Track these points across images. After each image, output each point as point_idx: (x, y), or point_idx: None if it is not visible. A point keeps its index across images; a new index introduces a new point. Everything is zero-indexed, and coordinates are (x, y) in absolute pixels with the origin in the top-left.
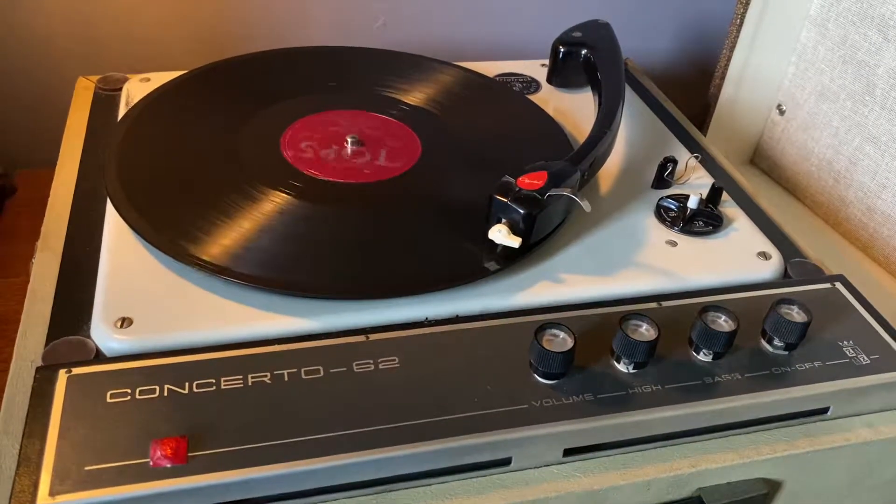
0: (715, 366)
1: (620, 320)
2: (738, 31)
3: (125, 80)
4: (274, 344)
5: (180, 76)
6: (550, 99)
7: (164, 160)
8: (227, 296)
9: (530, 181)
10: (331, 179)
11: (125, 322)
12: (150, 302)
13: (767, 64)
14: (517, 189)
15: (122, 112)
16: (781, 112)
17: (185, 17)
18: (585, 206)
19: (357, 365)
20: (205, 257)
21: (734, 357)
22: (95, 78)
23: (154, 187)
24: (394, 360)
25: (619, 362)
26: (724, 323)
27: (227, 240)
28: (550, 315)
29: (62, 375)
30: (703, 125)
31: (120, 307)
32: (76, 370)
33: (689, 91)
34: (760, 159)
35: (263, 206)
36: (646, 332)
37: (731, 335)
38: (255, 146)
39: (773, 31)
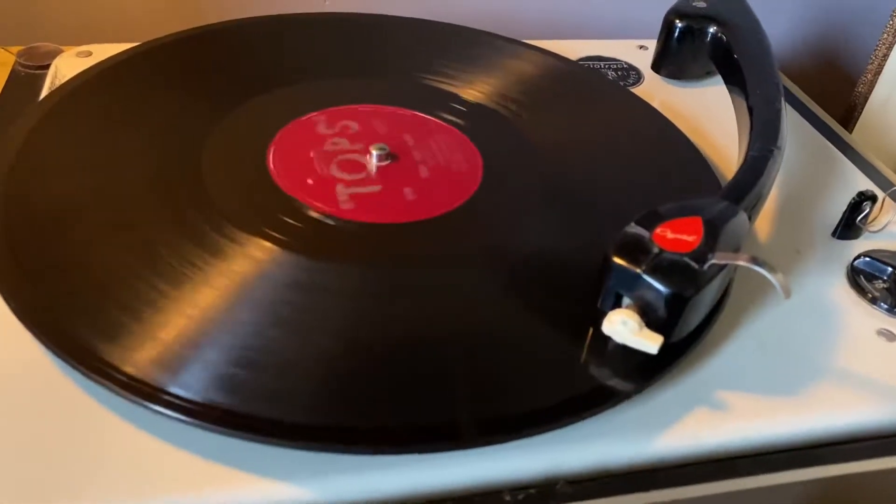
0: None
1: None
2: None
3: (57, 52)
4: None
5: (129, 50)
6: (657, 94)
7: (82, 183)
8: (161, 435)
9: (675, 235)
10: (344, 218)
11: None
12: (18, 443)
13: None
14: (656, 249)
15: None
16: None
17: None
18: (782, 286)
19: None
20: (128, 369)
21: None
22: (17, 49)
23: (58, 231)
24: None
25: None
26: None
27: (168, 332)
28: (724, 486)
29: None
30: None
31: None
32: None
33: (814, 90)
34: None
35: (232, 264)
36: None
37: None
38: (229, 161)
39: None
